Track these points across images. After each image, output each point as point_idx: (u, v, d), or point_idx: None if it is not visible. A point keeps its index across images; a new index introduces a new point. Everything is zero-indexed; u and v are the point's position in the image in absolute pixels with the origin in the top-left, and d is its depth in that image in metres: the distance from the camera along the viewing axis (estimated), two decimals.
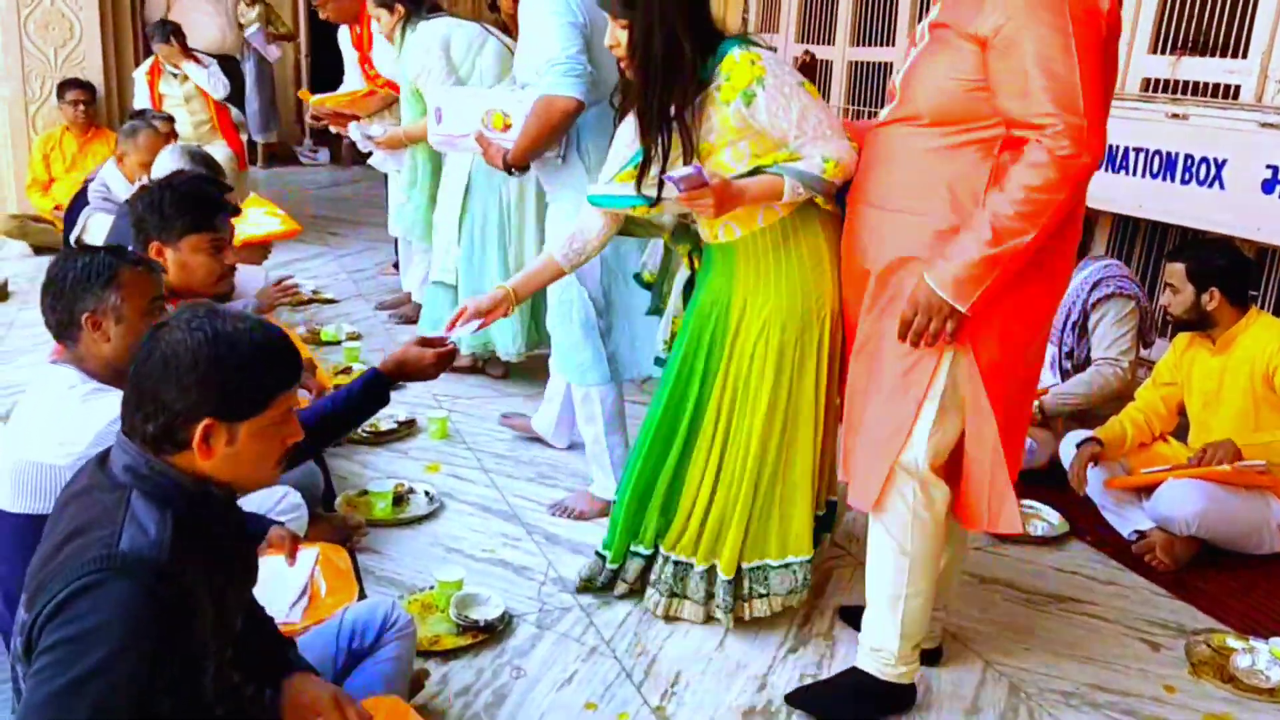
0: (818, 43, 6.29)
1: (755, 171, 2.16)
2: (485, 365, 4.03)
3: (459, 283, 3.75)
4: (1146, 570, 2.76)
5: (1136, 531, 2.90)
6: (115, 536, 1.26)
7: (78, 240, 4.49)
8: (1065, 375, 3.36)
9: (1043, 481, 3.21)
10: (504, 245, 3.67)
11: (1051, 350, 3.38)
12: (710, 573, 2.35)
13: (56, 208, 5.70)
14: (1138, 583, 2.72)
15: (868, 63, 5.95)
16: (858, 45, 6.01)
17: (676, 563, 2.37)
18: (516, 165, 2.73)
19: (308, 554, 2.29)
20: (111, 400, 1.75)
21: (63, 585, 1.21)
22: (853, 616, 2.35)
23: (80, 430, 1.82)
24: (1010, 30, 1.77)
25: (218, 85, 5.88)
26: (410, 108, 4.10)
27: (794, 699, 2.15)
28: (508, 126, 2.75)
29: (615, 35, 2.19)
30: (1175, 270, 2.91)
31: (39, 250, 5.71)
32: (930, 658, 2.27)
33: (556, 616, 2.42)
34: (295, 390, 1.44)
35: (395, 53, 4.17)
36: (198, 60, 5.85)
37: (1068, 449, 3.10)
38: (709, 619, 2.37)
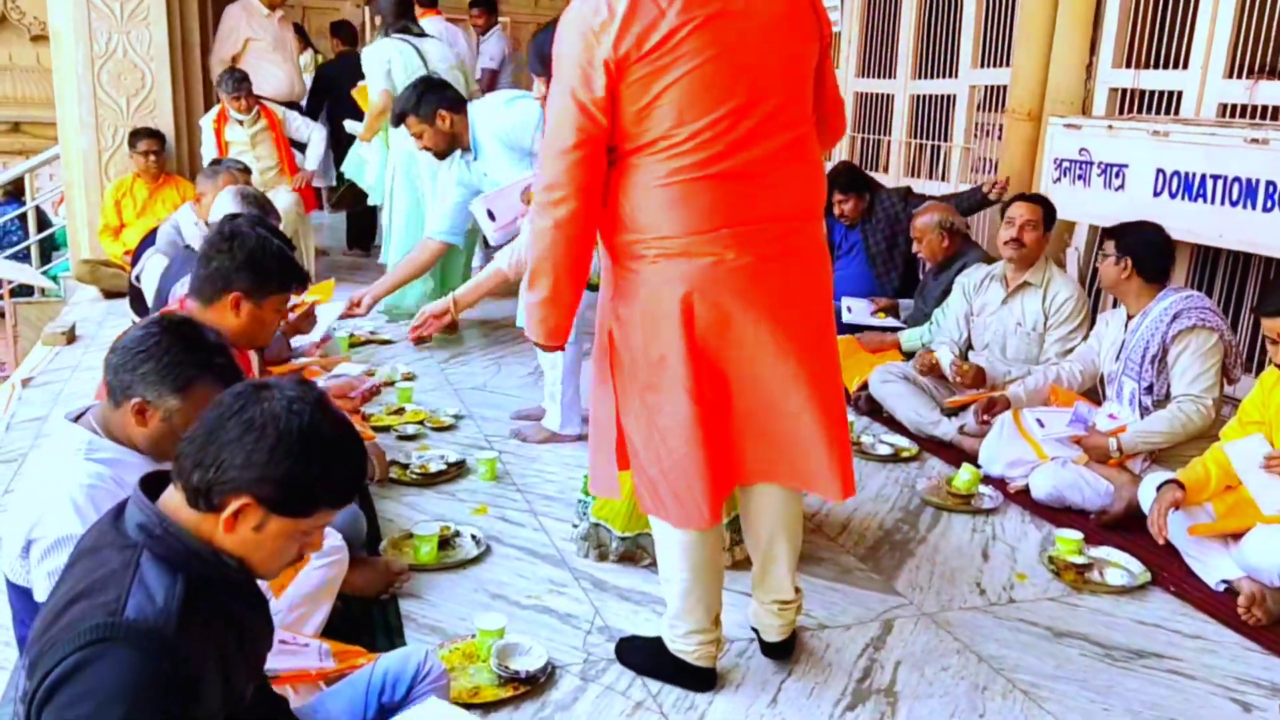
0: (879, 77, 6.20)
1: None
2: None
3: None
4: (1236, 623, 2.57)
5: (1224, 581, 2.70)
6: (121, 602, 1.21)
7: (137, 278, 4.56)
8: (1145, 412, 3.19)
9: (1121, 528, 3.04)
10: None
11: (1131, 385, 3.21)
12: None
13: (127, 253, 5.81)
14: (1226, 637, 2.53)
15: (930, 96, 5.84)
16: (920, 78, 5.91)
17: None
18: None
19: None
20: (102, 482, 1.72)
21: (63, 655, 1.16)
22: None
23: (60, 516, 1.74)
24: None
25: (318, 143, 6.11)
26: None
27: (620, 647, 2.35)
28: None
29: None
30: None
31: (109, 295, 5.84)
32: (775, 650, 2.34)
33: (602, 668, 2.32)
34: (340, 509, 1.40)
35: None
36: (265, 109, 5.97)
37: (1147, 493, 2.92)
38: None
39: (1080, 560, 2.82)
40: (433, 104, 3.80)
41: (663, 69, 1.87)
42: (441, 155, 3.73)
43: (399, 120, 3.86)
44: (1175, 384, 3.11)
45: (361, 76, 5.54)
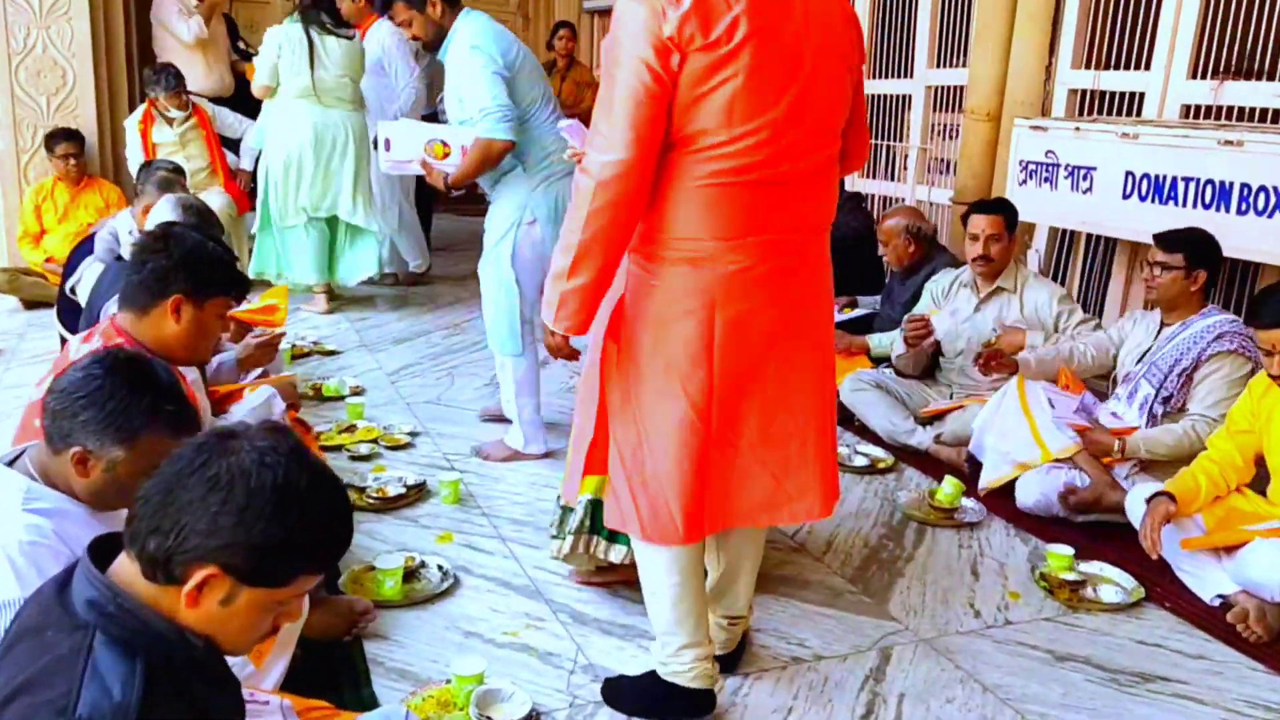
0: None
1: None
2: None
3: None
4: (1237, 641, 2.50)
5: (1220, 596, 2.63)
6: (72, 698, 1.02)
7: (72, 289, 4.27)
8: (1153, 420, 3.13)
9: (1100, 536, 2.96)
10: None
11: (1147, 390, 3.14)
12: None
13: (48, 260, 5.49)
14: (1229, 656, 2.45)
15: (884, 95, 5.78)
16: (874, 78, 5.84)
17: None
18: (456, 187, 3.41)
19: None
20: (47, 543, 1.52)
21: None
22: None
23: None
24: None
25: (248, 137, 5.73)
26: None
27: (607, 689, 2.22)
28: (446, 154, 3.36)
29: None
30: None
31: (29, 305, 5.49)
32: (723, 662, 2.25)
33: (590, 712, 2.16)
34: (322, 575, 1.22)
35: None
36: (196, 107, 5.67)
37: (1135, 505, 2.85)
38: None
39: (1072, 576, 2.73)
40: None
41: (719, 64, 1.82)
42: (429, 47, 3.46)
43: (385, 6, 3.61)
44: (1194, 401, 3.05)
45: None
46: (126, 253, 3.46)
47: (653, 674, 2.13)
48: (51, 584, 1.17)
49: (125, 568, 1.15)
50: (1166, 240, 3.18)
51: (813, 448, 2.06)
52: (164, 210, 3.35)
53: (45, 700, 1.02)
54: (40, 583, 1.38)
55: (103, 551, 1.18)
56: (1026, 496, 3.15)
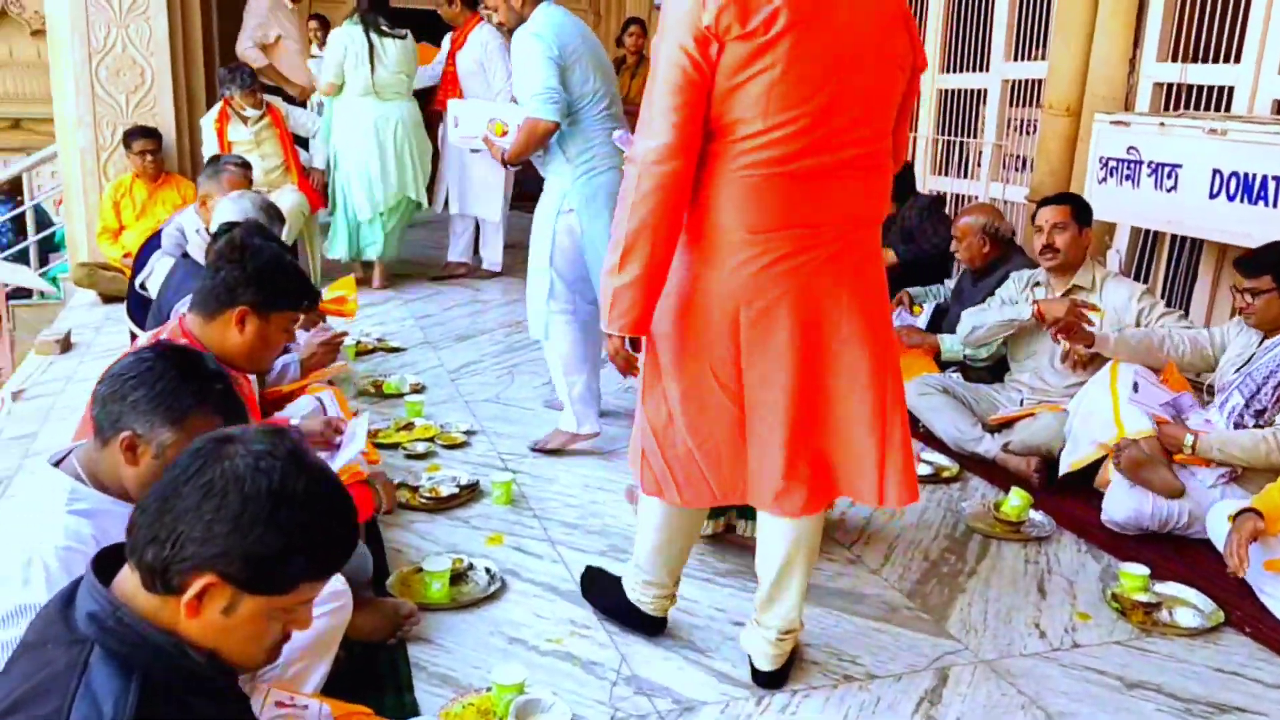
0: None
1: None
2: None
3: None
4: None
5: None
6: (62, 715, 0.99)
7: (142, 285, 4.36)
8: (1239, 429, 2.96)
9: (1177, 555, 2.81)
10: None
11: (1237, 400, 2.98)
12: None
13: (126, 255, 5.62)
14: None
15: (958, 90, 5.61)
16: (948, 72, 5.67)
17: None
18: (511, 163, 3.58)
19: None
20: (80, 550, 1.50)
21: None
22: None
23: (24, 580, 1.52)
24: None
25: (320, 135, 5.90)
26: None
27: (585, 577, 2.55)
28: (505, 133, 3.56)
29: None
30: None
31: (107, 300, 5.64)
32: (767, 679, 2.23)
33: None
34: (326, 580, 1.19)
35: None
36: (270, 106, 5.76)
37: (1217, 522, 2.70)
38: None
39: (1147, 598, 2.60)
40: None
41: (756, 54, 1.85)
42: (511, 31, 3.60)
43: None
44: None
45: None
46: (192, 249, 3.51)
47: (620, 585, 2.39)
48: (58, 597, 1.16)
49: (128, 580, 1.13)
50: (1249, 266, 3.01)
51: (867, 435, 2.03)
52: (226, 207, 3.39)
53: (36, 717, 1.00)
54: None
55: (109, 564, 1.16)
56: (1116, 510, 2.98)
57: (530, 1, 3.47)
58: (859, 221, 2.02)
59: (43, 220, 7.55)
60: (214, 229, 3.49)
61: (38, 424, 3.80)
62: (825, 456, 2.07)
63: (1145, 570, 2.66)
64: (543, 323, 3.50)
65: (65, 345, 4.82)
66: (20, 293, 6.93)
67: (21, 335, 6.52)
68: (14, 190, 7.64)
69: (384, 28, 5.61)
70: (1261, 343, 3.05)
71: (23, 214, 7.26)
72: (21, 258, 7.24)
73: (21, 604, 1.48)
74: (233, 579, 1.09)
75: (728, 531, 2.84)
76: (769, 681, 2.23)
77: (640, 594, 2.35)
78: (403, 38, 5.70)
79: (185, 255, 3.58)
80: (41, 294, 6.91)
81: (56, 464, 1.72)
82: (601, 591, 2.48)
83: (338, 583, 2.19)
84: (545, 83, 3.30)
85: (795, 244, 1.94)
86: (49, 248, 7.60)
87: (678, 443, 2.08)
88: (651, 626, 2.39)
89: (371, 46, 5.54)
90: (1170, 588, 2.67)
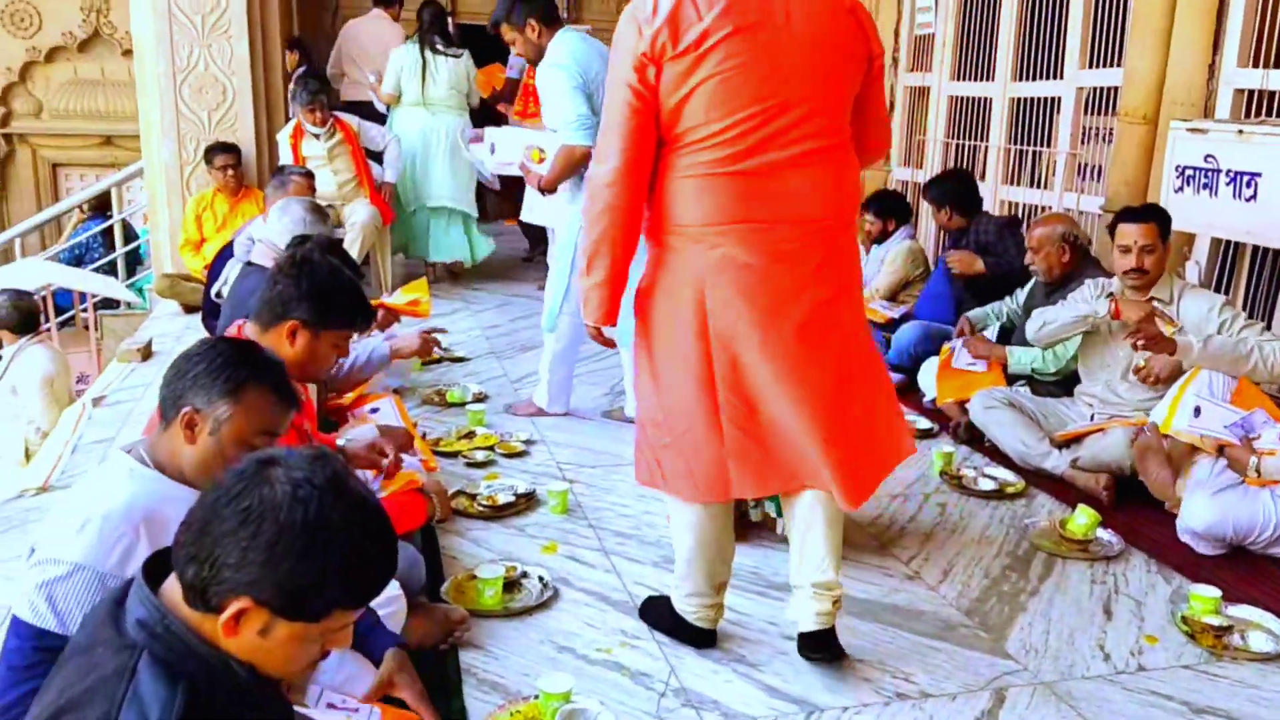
0: (976, 79, 5.86)
1: None
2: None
3: None
4: None
5: None
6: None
7: (217, 294, 4.50)
8: None
9: (1252, 577, 2.69)
10: None
11: None
12: None
13: (206, 267, 5.80)
14: None
15: (1030, 99, 5.49)
16: (1020, 80, 5.56)
17: None
18: (548, 189, 3.74)
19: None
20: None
21: None
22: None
23: (67, 535, 1.62)
24: None
25: (395, 152, 6.10)
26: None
27: (643, 606, 2.55)
28: (542, 159, 3.75)
29: None
30: None
31: (189, 310, 5.82)
32: (813, 643, 2.26)
33: None
34: (361, 608, 1.21)
35: None
36: (340, 121, 5.89)
37: None
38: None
39: (1219, 621, 2.50)
40: (523, 13, 3.82)
41: (692, 67, 2.02)
42: (533, 63, 3.89)
43: (495, 26, 4.00)
44: None
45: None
46: (255, 255, 3.62)
47: (669, 600, 2.43)
48: (107, 600, 1.19)
49: (174, 589, 1.16)
50: None
51: (820, 436, 2.12)
52: (274, 216, 3.53)
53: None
54: (109, 559, 1.44)
55: (157, 570, 1.19)
56: (1195, 519, 2.86)
57: (547, 32, 3.69)
58: (821, 219, 2.12)
59: (130, 234, 7.83)
60: (266, 232, 3.64)
61: (116, 429, 3.94)
62: (770, 446, 2.19)
63: (1217, 592, 2.56)
64: (553, 317, 3.84)
65: (146, 354, 4.99)
66: (108, 303, 7.19)
67: (109, 344, 6.76)
68: (104, 205, 7.95)
69: (439, 47, 6.17)
70: None
71: (111, 227, 7.54)
72: (110, 270, 7.52)
73: (55, 557, 1.58)
74: (268, 605, 1.11)
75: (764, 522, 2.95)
76: (814, 645, 2.25)
77: (684, 605, 2.37)
78: (457, 57, 6.23)
79: (249, 263, 3.70)
80: (128, 304, 7.16)
81: (128, 451, 1.80)
82: (656, 611, 2.51)
83: (393, 588, 2.24)
84: (576, 110, 3.52)
85: (749, 239, 2.08)
86: (135, 260, 7.87)
87: (664, 430, 2.23)
88: (700, 639, 2.39)
89: (425, 63, 6.13)
90: (1243, 611, 2.57)
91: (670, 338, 2.19)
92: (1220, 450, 2.93)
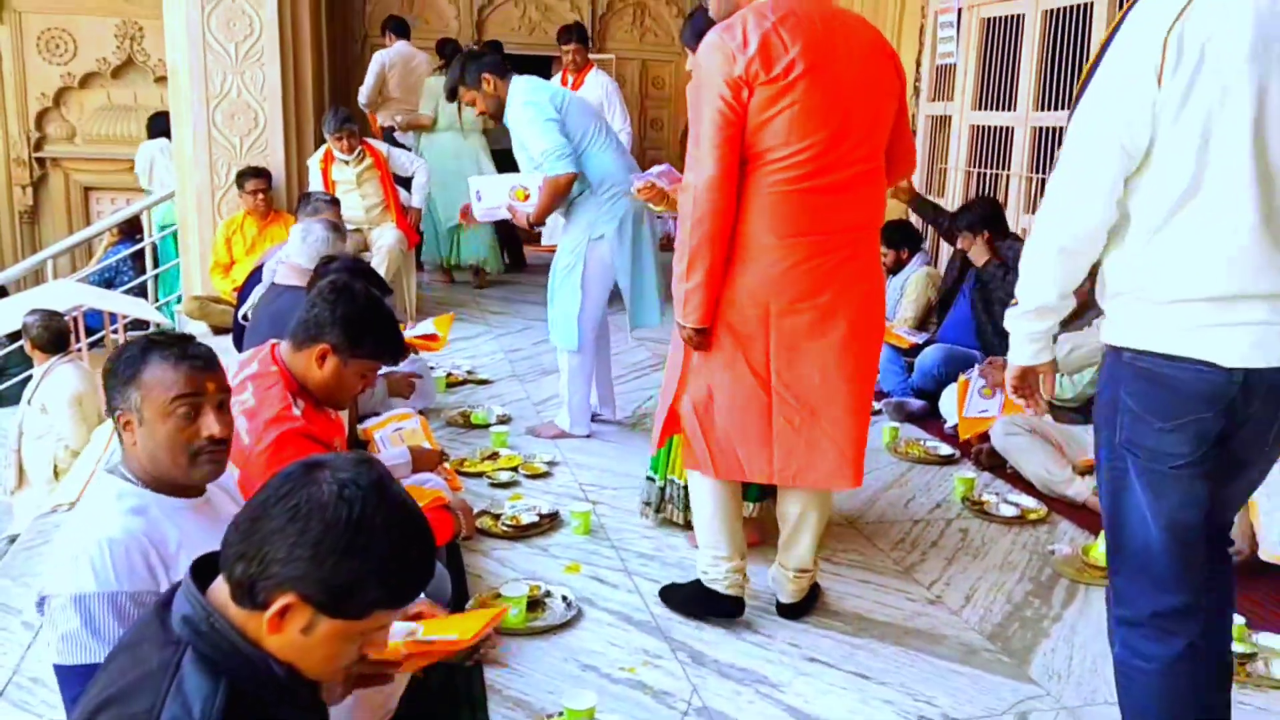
0: (998, 109, 5.90)
1: None
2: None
3: None
4: None
5: None
6: (154, 714, 1.06)
7: (244, 316, 4.57)
8: None
9: (1278, 606, 2.69)
10: None
11: None
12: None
13: (236, 289, 5.89)
14: None
15: (1051, 128, 5.52)
16: (1041, 110, 5.59)
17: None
18: (537, 223, 3.96)
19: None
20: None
21: None
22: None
23: (75, 571, 1.59)
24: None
25: (423, 177, 6.27)
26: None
27: (663, 591, 2.76)
28: (526, 197, 3.89)
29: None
30: None
31: (218, 331, 5.90)
32: (789, 610, 2.66)
33: None
34: (400, 609, 1.25)
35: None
36: (369, 147, 6.00)
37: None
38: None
39: (1243, 648, 2.49)
40: (475, 71, 3.97)
41: (779, 94, 2.29)
42: (495, 118, 4.02)
43: (452, 94, 4.15)
44: None
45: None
46: (279, 277, 3.70)
47: (697, 581, 2.62)
48: (156, 603, 1.23)
49: (221, 589, 1.20)
50: None
51: (848, 426, 2.47)
52: (296, 238, 3.63)
53: (129, 714, 1.06)
54: (124, 579, 1.47)
55: (205, 571, 1.23)
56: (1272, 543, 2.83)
57: (501, 84, 3.88)
58: (861, 226, 2.47)
59: (160, 257, 7.94)
60: (289, 253, 3.74)
61: None
62: (815, 439, 2.47)
63: (1241, 620, 2.56)
64: (574, 336, 3.92)
65: None
66: (138, 324, 7.29)
67: None
68: (134, 229, 8.07)
69: None
70: None
71: (142, 250, 7.66)
72: (141, 292, 7.63)
73: (74, 594, 1.56)
74: (312, 600, 1.15)
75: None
76: (790, 613, 2.66)
77: (713, 571, 2.58)
78: None
79: (274, 284, 3.77)
80: (159, 326, 7.26)
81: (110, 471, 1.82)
82: (678, 593, 2.70)
83: (420, 602, 2.27)
84: (552, 141, 3.70)
85: (813, 249, 2.38)
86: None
87: (716, 422, 2.47)
88: (729, 607, 2.59)
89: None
90: (1268, 638, 2.57)
91: (735, 339, 2.43)
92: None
